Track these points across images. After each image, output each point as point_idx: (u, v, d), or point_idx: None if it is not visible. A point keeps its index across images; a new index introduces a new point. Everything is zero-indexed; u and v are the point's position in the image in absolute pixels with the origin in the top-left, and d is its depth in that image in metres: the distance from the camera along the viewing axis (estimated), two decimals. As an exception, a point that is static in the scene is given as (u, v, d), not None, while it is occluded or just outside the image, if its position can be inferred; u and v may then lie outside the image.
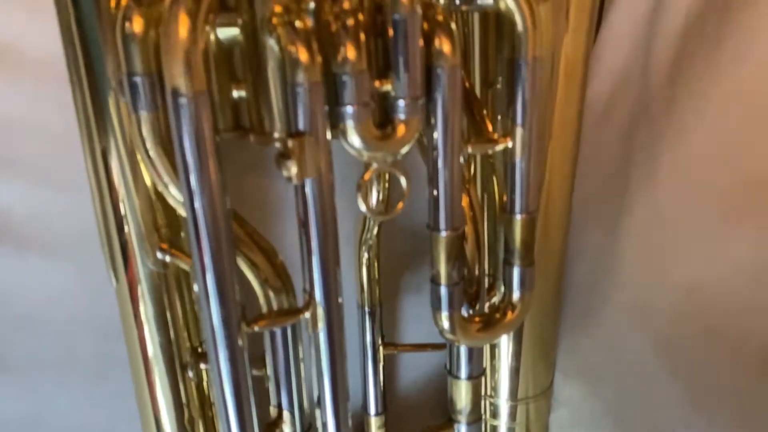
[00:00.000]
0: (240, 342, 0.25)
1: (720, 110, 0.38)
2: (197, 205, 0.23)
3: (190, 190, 0.23)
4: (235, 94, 0.26)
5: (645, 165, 0.40)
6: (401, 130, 0.26)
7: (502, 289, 0.33)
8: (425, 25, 0.26)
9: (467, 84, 0.34)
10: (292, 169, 0.23)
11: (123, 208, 0.27)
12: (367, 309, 0.40)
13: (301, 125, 0.24)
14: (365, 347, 0.41)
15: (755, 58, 0.37)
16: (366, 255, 0.37)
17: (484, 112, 0.33)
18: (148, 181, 0.26)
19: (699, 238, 0.38)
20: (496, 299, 0.35)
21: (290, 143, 0.23)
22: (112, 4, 0.24)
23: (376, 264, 0.39)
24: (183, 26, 0.21)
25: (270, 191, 0.38)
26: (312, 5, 0.26)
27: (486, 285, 0.36)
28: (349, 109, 0.24)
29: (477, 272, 0.35)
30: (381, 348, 0.41)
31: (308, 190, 0.25)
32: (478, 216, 0.35)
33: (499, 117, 0.32)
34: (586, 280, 0.42)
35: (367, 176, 0.27)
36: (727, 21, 0.38)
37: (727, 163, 0.37)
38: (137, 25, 0.23)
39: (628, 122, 0.41)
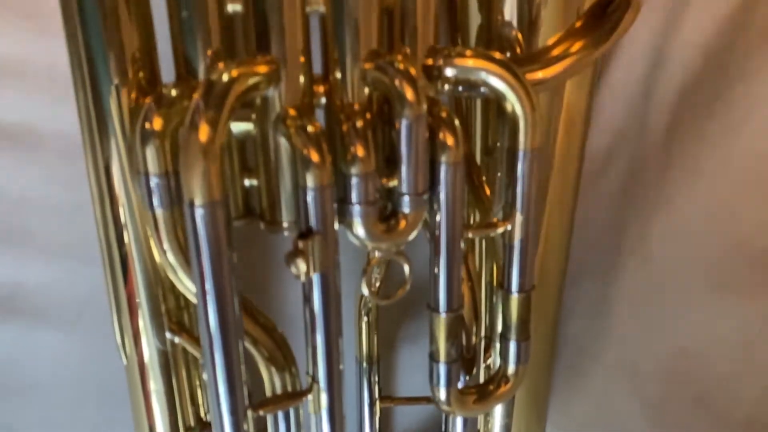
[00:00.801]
0: (246, 426, 0.26)
1: (712, 181, 0.39)
2: (210, 302, 0.24)
3: (204, 289, 0.24)
4: (247, 182, 0.27)
5: (638, 227, 0.41)
6: (405, 223, 0.27)
7: (498, 346, 0.34)
8: (429, 120, 0.27)
9: (469, 150, 0.36)
10: (302, 267, 0.24)
11: (135, 290, 0.28)
12: (365, 364, 0.41)
13: (311, 224, 0.25)
14: (362, 401, 0.42)
15: (748, 131, 0.38)
16: (365, 318, 0.38)
17: (484, 180, 0.35)
18: (159, 268, 0.27)
19: (688, 305, 0.39)
20: (491, 360, 0.36)
21: (300, 244, 0.24)
22: (132, 98, 0.25)
23: (375, 322, 0.40)
24: (203, 135, 0.22)
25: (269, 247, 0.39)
26: (323, 101, 0.27)
27: (482, 346, 0.37)
28: (356, 208, 0.25)
29: (474, 339, 0.36)
30: (378, 402, 0.42)
31: (315, 283, 0.25)
32: (476, 285, 0.36)
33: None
34: (578, 338, 0.43)
35: (372, 264, 0.28)
36: (721, 93, 0.39)
37: (718, 234, 0.39)
38: (156, 126, 0.24)
39: (623, 180, 0.42)
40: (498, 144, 0.34)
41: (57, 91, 0.31)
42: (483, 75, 0.28)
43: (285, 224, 0.27)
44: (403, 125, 0.26)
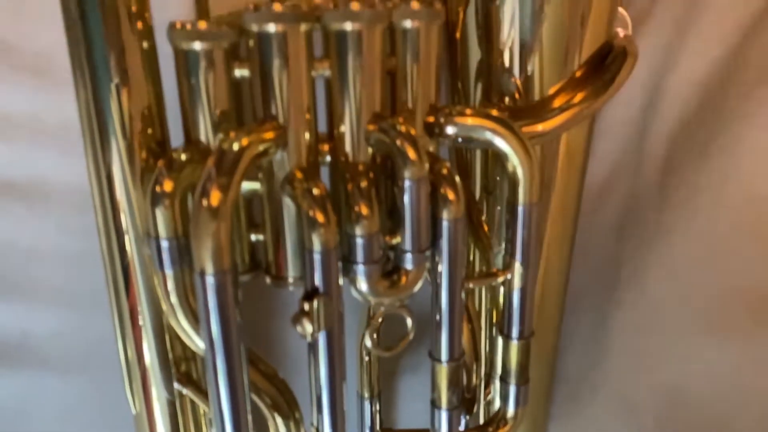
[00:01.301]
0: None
1: (707, 221, 0.40)
2: (219, 359, 0.25)
3: (213, 348, 0.24)
4: (253, 237, 0.28)
5: (635, 263, 0.42)
6: (408, 279, 0.28)
7: (497, 384, 0.35)
8: (431, 176, 0.28)
9: (468, 190, 0.36)
10: (308, 328, 0.25)
11: (144, 343, 0.28)
12: (366, 397, 0.42)
13: (317, 284, 0.25)
14: (363, 433, 0.42)
15: (741, 175, 0.39)
16: (367, 357, 0.39)
17: (484, 220, 0.35)
18: (167, 322, 0.28)
19: (684, 343, 0.39)
20: (491, 396, 0.37)
21: (306, 306, 0.25)
22: (142, 159, 0.26)
23: (377, 358, 0.41)
24: (215, 204, 0.23)
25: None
26: (328, 158, 0.28)
27: (482, 385, 0.38)
28: (361, 267, 0.26)
29: (474, 380, 0.37)
30: (378, 434, 0.43)
31: (321, 341, 0.26)
32: (476, 325, 0.37)
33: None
34: (576, 369, 0.44)
35: (375, 318, 0.28)
36: (716, 134, 0.40)
37: (713, 274, 0.39)
38: (167, 190, 0.24)
39: (620, 215, 0.43)
40: (498, 178, 0.35)
41: (67, 145, 0.32)
42: (483, 134, 0.28)
43: (291, 279, 0.28)
44: (407, 187, 0.26)
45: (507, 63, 0.32)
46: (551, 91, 0.33)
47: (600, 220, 0.43)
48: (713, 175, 0.39)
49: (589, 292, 0.43)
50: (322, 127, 0.28)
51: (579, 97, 0.32)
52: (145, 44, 0.25)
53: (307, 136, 0.26)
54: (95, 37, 0.24)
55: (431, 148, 0.29)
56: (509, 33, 0.32)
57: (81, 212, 0.28)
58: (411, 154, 0.26)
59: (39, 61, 0.32)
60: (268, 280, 0.28)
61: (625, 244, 0.42)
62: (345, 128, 0.27)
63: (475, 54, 0.33)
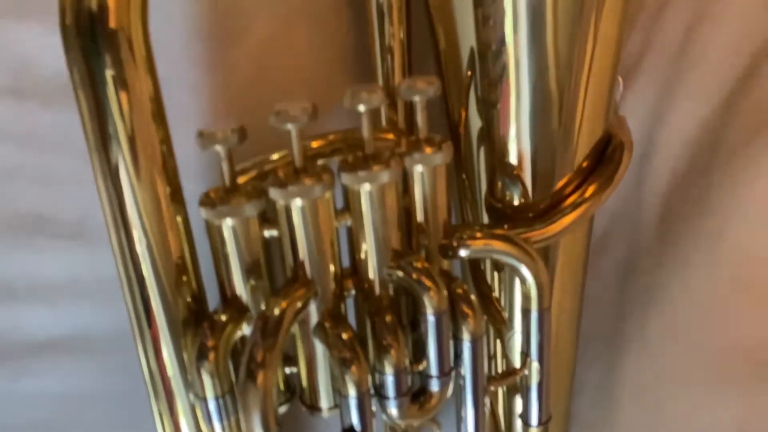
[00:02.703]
0: None
1: (705, 276, 0.41)
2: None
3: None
4: (287, 370, 0.30)
5: (637, 314, 0.44)
6: (435, 399, 0.30)
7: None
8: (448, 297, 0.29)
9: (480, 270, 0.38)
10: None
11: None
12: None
13: (353, 424, 0.27)
14: None
15: (736, 232, 0.41)
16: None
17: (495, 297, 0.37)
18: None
19: (688, 394, 0.42)
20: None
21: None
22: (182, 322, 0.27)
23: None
24: (261, 380, 0.25)
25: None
26: (353, 291, 0.30)
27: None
28: (392, 402, 0.28)
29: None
30: None
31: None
32: (497, 413, 0.39)
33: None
34: (587, 416, 0.46)
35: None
36: (709, 191, 0.42)
37: (712, 328, 0.41)
38: (211, 358, 0.26)
39: (621, 264, 0.45)
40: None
41: (105, 298, 0.33)
42: (494, 254, 0.30)
43: (325, 408, 0.30)
44: (429, 321, 0.28)
45: (511, 158, 0.33)
46: (558, 185, 0.34)
47: (601, 270, 0.45)
48: (708, 232, 0.41)
49: (595, 340, 0.45)
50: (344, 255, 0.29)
51: (589, 191, 0.34)
52: (179, 219, 0.27)
53: (333, 285, 0.28)
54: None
55: (445, 266, 0.31)
56: (511, 129, 0.33)
57: (122, 355, 0.30)
58: (432, 292, 0.28)
59: (73, 227, 0.33)
60: (303, 408, 0.30)
61: (627, 294, 0.44)
62: (367, 270, 0.29)
63: (477, 149, 0.35)
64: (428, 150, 0.28)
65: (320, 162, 0.31)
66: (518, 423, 0.36)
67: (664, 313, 0.42)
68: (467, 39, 0.31)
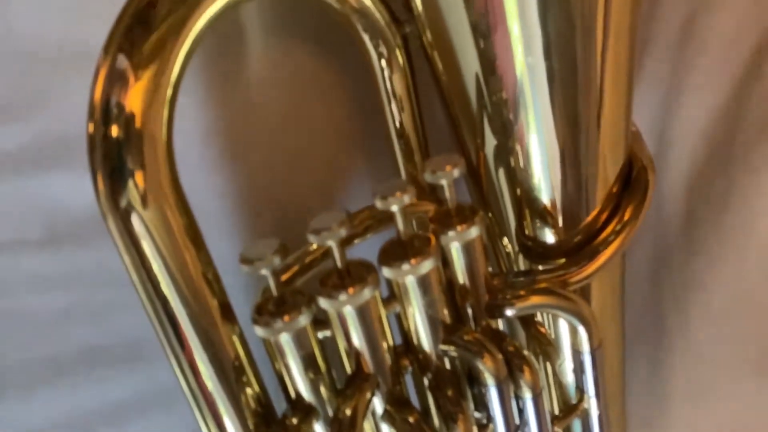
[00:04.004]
0: None
1: (736, 268, 0.42)
2: None
3: None
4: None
5: (677, 309, 0.44)
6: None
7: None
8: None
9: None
10: None
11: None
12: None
13: None
14: None
15: (762, 225, 0.41)
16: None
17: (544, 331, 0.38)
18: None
19: (737, 385, 0.42)
20: None
21: None
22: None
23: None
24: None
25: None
26: (410, 369, 0.31)
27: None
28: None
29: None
30: None
31: None
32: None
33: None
34: (643, 415, 0.47)
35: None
36: (732, 184, 0.42)
37: (752, 317, 0.42)
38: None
39: (651, 261, 0.45)
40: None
41: (171, 409, 0.35)
42: (539, 309, 0.31)
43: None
44: (491, 391, 0.29)
45: (537, 195, 0.33)
46: (589, 218, 0.34)
47: (633, 268, 0.45)
48: (735, 225, 0.41)
49: (639, 341, 0.46)
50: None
51: (624, 220, 0.34)
52: (234, 332, 0.28)
53: (391, 368, 0.29)
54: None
55: (493, 325, 0.32)
56: (533, 166, 0.33)
57: None
58: (489, 363, 0.29)
59: (129, 350, 0.35)
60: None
61: (662, 292, 0.45)
62: (421, 348, 0.29)
63: (500, 188, 0.34)
64: (461, 228, 0.29)
65: (357, 241, 0.32)
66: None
67: (704, 302, 0.43)
68: (470, 73, 0.30)
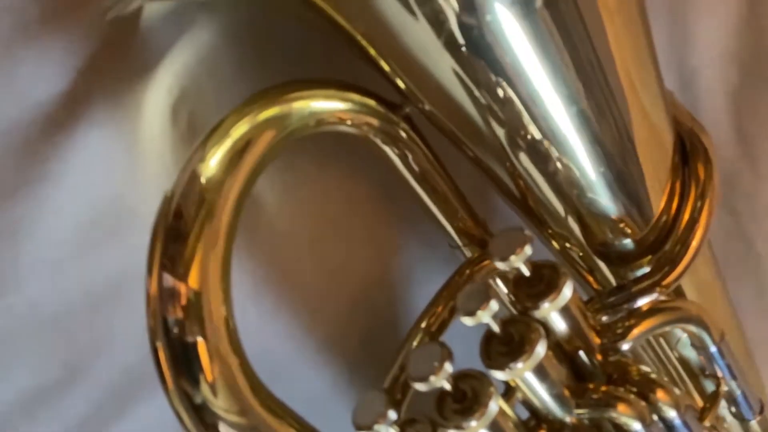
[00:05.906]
0: None
1: None
2: None
3: None
4: None
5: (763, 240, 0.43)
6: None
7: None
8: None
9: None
10: None
11: None
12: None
13: None
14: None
15: None
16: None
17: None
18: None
19: None
20: None
21: None
22: None
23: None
24: None
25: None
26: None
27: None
28: None
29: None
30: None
31: None
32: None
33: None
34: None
35: None
36: None
37: None
38: None
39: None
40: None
41: None
42: (651, 333, 0.30)
43: None
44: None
45: (598, 207, 0.32)
46: (659, 207, 0.33)
47: None
48: None
49: (734, 276, 0.44)
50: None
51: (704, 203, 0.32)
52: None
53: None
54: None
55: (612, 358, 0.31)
56: (577, 177, 0.31)
57: None
58: (626, 410, 0.28)
59: None
60: None
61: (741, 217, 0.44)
62: (557, 422, 0.29)
63: (549, 203, 0.32)
64: (553, 297, 0.28)
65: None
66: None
67: None
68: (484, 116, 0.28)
